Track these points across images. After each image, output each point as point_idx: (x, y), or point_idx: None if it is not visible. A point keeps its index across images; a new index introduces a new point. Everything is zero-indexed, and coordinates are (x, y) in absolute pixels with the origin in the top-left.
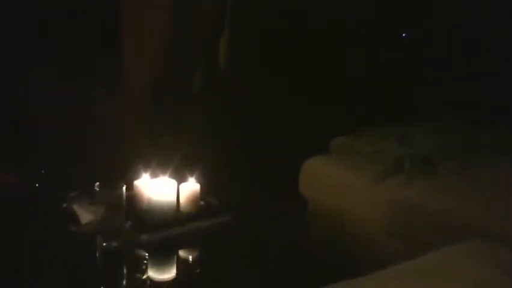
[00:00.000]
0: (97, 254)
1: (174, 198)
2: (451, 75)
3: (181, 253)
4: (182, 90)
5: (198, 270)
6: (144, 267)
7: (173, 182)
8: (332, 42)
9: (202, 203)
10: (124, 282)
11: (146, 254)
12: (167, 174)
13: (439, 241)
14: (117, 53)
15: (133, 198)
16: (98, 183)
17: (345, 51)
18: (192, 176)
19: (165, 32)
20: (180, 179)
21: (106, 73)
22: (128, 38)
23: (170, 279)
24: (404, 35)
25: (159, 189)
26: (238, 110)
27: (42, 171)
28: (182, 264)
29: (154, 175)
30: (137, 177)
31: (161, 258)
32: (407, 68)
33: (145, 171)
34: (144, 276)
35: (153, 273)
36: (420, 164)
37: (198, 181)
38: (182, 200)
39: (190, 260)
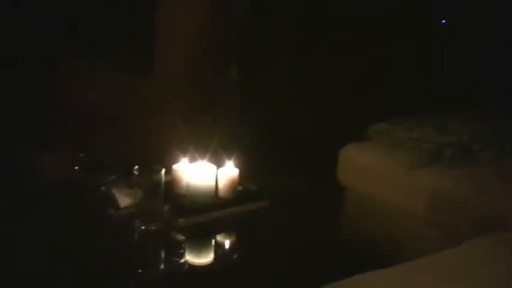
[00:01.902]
0: (135, 238)
1: (213, 183)
2: (488, 64)
3: (219, 238)
4: (219, 75)
5: (235, 256)
6: (182, 251)
7: (212, 167)
8: (371, 28)
9: (240, 188)
10: (162, 266)
11: (184, 238)
12: (206, 159)
13: (476, 231)
14: (154, 37)
15: (171, 182)
16: (137, 167)
17: (385, 37)
18: (230, 161)
19: (202, 15)
20: (219, 163)
21: (142, 57)
22: (165, 21)
23: (208, 263)
24: (443, 21)
25: (198, 173)
26: (277, 96)
27: (82, 155)
28: (219, 249)
29: (192, 159)
30: (176, 161)
31: (199, 242)
32: (444, 55)
33: (184, 155)
34: (182, 261)
35: (190, 258)
36: (460, 153)
37: (237, 166)
38: (220, 184)
39: (228, 245)
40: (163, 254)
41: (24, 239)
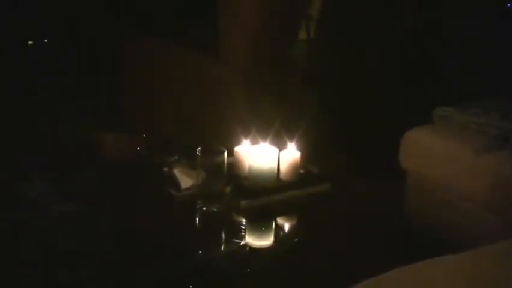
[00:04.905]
0: (196, 219)
1: (275, 165)
2: None
3: (279, 221)
4: (281, 57)
5: (295, 239)
6: (242, 233)
7: (274, 149)
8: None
9: (302, 171)
10: (222, 248)
11: (245, 220)
12: (268, 141)
13: None
14: (215, 17)
15: (233, 164)
16: (199, 148)
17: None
18: (292, 143)
19: None
20: (281, 146)
21: (206, 39)
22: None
23: (268, 246)
24: (508, 5)
25: (260, 156)
26: (338, 79)
27: (144, 135)
28: (280, 232)
29: (254, 142)
30: (238, 143)
31: (260, 225)
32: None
33: (246, 137)
34: (242, 242)
35: (251, 240)
36: None
37: (299, 149)
38: (282, 167)
39: (288, 228)
40: (223, 236)
41: (85, 219)
